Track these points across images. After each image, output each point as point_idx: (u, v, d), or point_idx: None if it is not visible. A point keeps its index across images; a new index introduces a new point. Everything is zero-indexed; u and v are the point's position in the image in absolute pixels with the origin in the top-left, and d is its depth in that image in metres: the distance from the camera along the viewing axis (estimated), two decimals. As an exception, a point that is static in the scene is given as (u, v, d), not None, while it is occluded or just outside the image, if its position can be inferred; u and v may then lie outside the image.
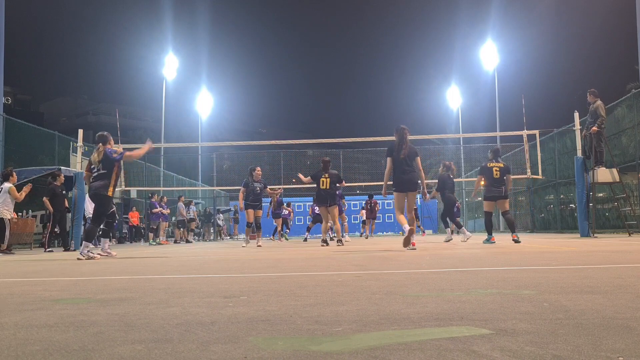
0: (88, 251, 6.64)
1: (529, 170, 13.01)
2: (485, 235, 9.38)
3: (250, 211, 10.75)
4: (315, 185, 10.10)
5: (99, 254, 7.14)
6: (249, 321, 1.74)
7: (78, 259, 6.56)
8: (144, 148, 7.24)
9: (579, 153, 11.36)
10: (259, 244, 10.75)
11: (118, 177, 6.93)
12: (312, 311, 1.92)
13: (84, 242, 6.86)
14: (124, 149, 7.45)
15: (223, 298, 2.33)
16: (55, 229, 11.02)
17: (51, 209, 10.73)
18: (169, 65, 29.87)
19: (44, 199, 10.97)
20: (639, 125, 12.68)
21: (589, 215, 11.05)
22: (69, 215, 12.45)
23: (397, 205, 7.29)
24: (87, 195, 14.29)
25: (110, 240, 7.70)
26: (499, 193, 8.92)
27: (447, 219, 11.02)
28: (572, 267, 3.58)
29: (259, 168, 11.04)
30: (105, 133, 6.97)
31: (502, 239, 10.68)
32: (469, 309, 1.86)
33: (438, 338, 1.42)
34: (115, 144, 7.19)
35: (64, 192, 11.18)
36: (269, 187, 11.60)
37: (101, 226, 7.51)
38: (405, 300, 2.13)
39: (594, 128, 10.67)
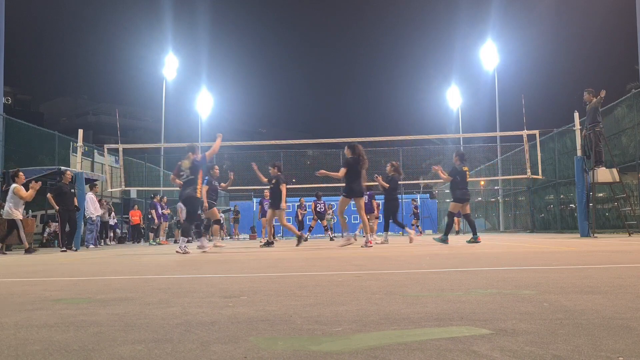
0: (185, 246, 7.53)
1: (529, 170, 13.01)
2: (460, 236, 9.66)
3: (215, 209, 10.63)
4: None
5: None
6: (249, 321, 1.74)
7: (177, 251, 7.49)
8: (218, 141, 8.61)
9: (579, 153, 11.36)
10: (219, 244, 10.52)
11: (201, 180, 8.20)
12: (312, 311, 1.92)
13: (181, 237, 7.90)
14: (202, 153, 8.27)
15: (223, 298, 2.33)
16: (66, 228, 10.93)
17: (56, 207, 10.65)
18: (169, 65, 29.86)
19: (48, 195, 10.90)
20: (639, 125, 12.67)
21: (589, 215, 11.05)
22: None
23: (343, 209, 8.72)
24: (87, 197, 14.36)
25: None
26: (469, 196, 9.41)
27: (391, 221, 10.93)
28: (572, 267, 3.58)
29: (217, 167, 11.08)
30: (195, 144, 8.40)
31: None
32: (469, 309, 1.86)
33: (438, 338, 1.42)
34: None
35: (72, 190, 11.07)
36: (222, 183, 11.54)
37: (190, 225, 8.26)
38: (405, 300, 2.13)
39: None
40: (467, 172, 9.26)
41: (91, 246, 13.89)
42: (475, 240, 8.94)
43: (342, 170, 8.58)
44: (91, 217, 14.24)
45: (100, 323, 1.77)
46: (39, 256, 8.43)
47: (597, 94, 10.95)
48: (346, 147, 8.86)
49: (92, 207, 14.08)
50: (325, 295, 2.36)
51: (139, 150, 23.67)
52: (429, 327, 1.57)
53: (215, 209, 10.64)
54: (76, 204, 11.31)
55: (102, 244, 16.23)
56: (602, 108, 11.71)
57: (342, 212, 8.82)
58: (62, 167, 14.10)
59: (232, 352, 1.33)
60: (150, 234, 17.36)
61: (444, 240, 9.07)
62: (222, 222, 10.99)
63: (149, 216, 17.58)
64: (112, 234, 17.93)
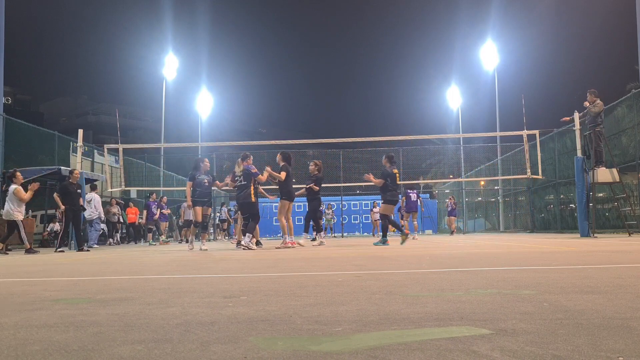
0: (249, 241, 8.55)
1: (529, 170, 13.01)
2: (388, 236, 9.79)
3: (198, 208, 9.50)
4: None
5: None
6: (249, 321, 1.74)
7: (238, 247, 8.92)
8: (266, 174, 9.14)
9: (579, 153, 11.36)
10: (204, 247, 9.42)
11: (255, 188, 9.11)
12: (312, 311, 1.92)
13: (246, 234, 8.71)
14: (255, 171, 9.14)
15: (223, 298, 2.33)
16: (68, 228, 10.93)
17: (62, 206, 10.63)
18: (169, 65, 29.86)
19: (55, 195, 10.89)
20: (639, 125, 12.67)
21: (589, 215, 11.05)
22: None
23: (285, 212, 9.15)
24: (94, 198, 14.35)
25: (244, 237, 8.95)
26: (398, 197, 9.59)
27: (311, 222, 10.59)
28: (572, 267, 3.58)
29: (207, 160, 9.91)
30: (248, 153, 9.29)
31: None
32: (469, 309, 1.86)
33: (438, 338, 1.42)
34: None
35: (78, 190, 11.04)
36: (218, 181, 10.34)
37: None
38: (405, 300, 2.13)
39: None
40: (397, 175, 9.43)
41: (95, 246, 13.94)
42: (384, 242, 9.11)
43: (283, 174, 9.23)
44: (100, 218, 14.33)
45: (100, 323, 1.77)
46: (39, 256, 8.43)
47: (598, 95, 10.98)
48: (280, 157, 9.55)
49: (98, 208, 14.16)
50: (325, 295, 2.36)
51: (139, 150, 23.67)
52: (429, 327, 1.57)
53: (198, 208, 9.51)
54: (82, 203, 11.31)
55: (108, 244, 16.24)
56: (603, 108, 11.71)
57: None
58: (63, 167, 14.12)
59: (232, 352, 1.33)
60: (148, 234, 17.36)
61: (384, 242, 9.22)
62: (199, 223, 9.81)
63: (149, 215, 17.59)
64: (118, 235, 17.94)
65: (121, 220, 17.97)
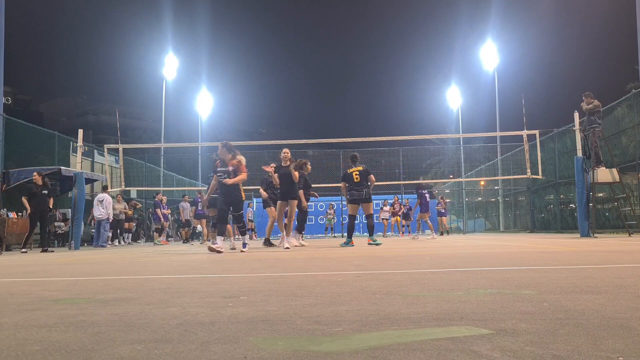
0: (245, 240, 7.94)
1: (529, 170, 13.01)
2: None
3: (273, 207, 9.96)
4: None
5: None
6: (249, 321, 1.74)
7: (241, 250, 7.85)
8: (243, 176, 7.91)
9: (579, 153, 11.36)
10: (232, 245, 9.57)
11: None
12: (312, 311, 1.91)
13: (243, 235, 8.06)
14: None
15: (223, 298, 2.33)
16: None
17: (29, 208, 10.69)
18: (169, 65, 29.87)
19: (23, 198, 10.94)
20: (639, 125, 12.67)
21: (589, 215, 11.05)
22: (71, 215, 12.45)
23: (281, 212, 8.98)
24: (105, 198, 14.35)
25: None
26: (359, 196, 9.36)
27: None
28: (572, 267, 3.58)
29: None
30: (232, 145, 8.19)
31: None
32: (469, 309, 1.86)
33: (438, 338, 1.42)
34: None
35: (44, 192, 11.07)
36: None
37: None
38: (405, 300, 2.13)
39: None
40: (354, 174, 9.37)
41: (108, 245, 13.98)
42: (347, 244, 9.04)
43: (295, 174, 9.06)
44: (108, 219, 14.36)
45: (100, 323, 1.77)
46: (39, 256, 8.43)
47: (595, 97, 11.00)
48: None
49: (108, 208, 14.18)
50: (325, 295, 2.36)
51: (139, 150, 23.67)
52: (429, 327, 1.57)
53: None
54: (50, 205, 11.30)
55: (118, 243, 16.19)
56: (602, 108, 11.72)
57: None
58: (63, 167, 14.13)
59: (232, 352, 1.32)
60: (155, 233, 17.35)
61: (347, 243, 9.14)
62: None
63: (152, 215, 17.56)
64: (129, 235, 17.80)
65: (130, 217, 17.56)
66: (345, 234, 10.01)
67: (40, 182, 10.98)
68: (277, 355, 1.28)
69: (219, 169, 8.06)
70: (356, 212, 9.62)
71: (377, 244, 8.96)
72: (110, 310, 2.04)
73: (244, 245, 7.84)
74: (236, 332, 1.56)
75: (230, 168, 7.79)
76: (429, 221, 14.90)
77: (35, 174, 11.22)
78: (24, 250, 10.50)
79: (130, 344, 1.44)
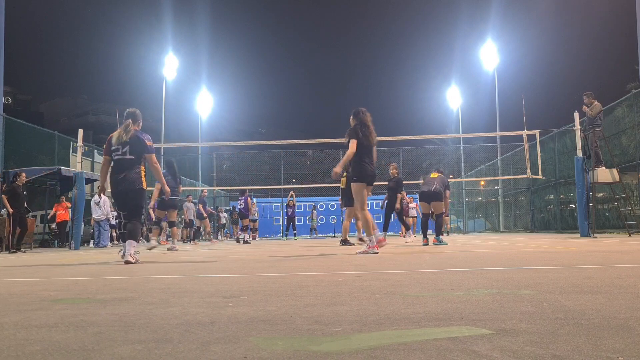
0: (130, 252, 5.29)
1: (529, 170, 13.02)
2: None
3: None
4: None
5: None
6: (249, 321, 1.74)
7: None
8: (164, 184, 6.29)
9: (579, 153, 11.37)
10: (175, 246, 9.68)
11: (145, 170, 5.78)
12: (312, 311, 1.92)
13: (130, 241, 5.39)
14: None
15: (223, 298, 2.33)
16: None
17: (10, 209, 10.70)
18: (169, 65, 29.89)
19: (2, 197, 10.93)
20: (639, 125, 12.68)
21: (589, 215, 11.05)
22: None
23: (361, 199, 6.23)
24: (93, 201, 14.36)
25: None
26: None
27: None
28: (572, 267, 3.58)
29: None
30: (138, 112, 5.88)
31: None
32: (469, 309, 1.86)
33: (438, 338, 1.42)
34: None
35: (25, 192, 11.15)
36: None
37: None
38: (405, 300, 2.13)
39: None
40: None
41: (109, 245, 14.03)
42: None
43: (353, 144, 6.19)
44: (107, 219, 14.40)
45: (100, 323, 1.77)
46: (39, 256, 8.43)
47: (595, 97, 11.01)
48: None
49: (106, 208, 14.21)
50: (326, 295, 2.36)
51: (139, 150, 23.60)
52: (429, 327, 1.57)
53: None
54: (25, 205, 11.36)
55: (119, 242, 16.27)
56: (603, 108, 11.73)
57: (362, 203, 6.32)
58: (63, 167, 14.14)
59: (232, 352, 1.33)
60: (150, 233, 17.37)
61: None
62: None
63: (149, 215, 17.57)
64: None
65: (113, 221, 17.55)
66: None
67: (23, 183, 11.07)
68: (277, 355, 1.28)
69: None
70: (428, 210, 9.25)
71: (442, 244, 8.68)
72: (111, 310, 2.04)
73: (124, 254, 5.34)
74: (236, 332, 1.56)
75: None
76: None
77: (22, 174, 11.24)
78: (14, 250, 10.56)
79: (131, 344, 1.44)
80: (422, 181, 9.56)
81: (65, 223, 14.95)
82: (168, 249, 9.35)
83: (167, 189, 6.48)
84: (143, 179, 5.58)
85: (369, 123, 6.28)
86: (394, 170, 11.06)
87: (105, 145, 5.73)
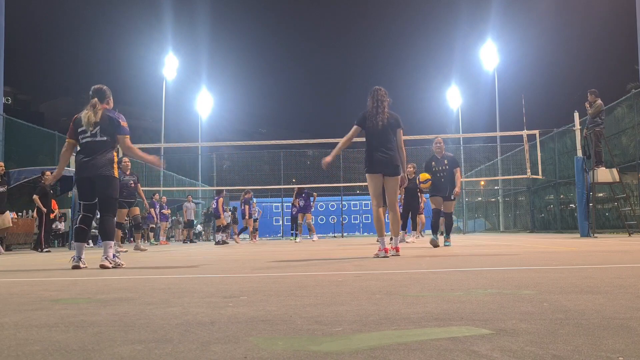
0: (114, 256, 4.80)
1: (529, 170, 13.01)
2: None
3: (125, 210, 9.43)
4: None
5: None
6: (249, 321, 1.74)
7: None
8: (150, 157, 5.38)
9: (579, 153, 11.37)
10: (143, 247, 9.69)
11: (118, 157, 5.28)
12: (312, 311, 1.92)
13: (108, 242, 4.81)
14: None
15: (223, 298, 2.33)
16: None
17: (43, 209, 10.77)
18: (169, 65, 29.90)
19: (35, 197, 10.97)
20: (639, 125, 12.68)
21: (589, 215, 11.05)
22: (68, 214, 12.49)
23: (373, 192, 5.51)
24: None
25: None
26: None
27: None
28: (572, 267, 3.58)
29: (126, 159, 9.37)
30: (106, 88, 5.11)
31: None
32: (469, 309, 1.86)
33: (438, 338, 1.42)
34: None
35: (52, 191, 11.23)
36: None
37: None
38: (405, 300, 2.13)
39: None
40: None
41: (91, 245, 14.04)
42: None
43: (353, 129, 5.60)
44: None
45: (100, 323, 1.77)
46: (39, 256, 8.43)
47: (599, 95, 11.00)
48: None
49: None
50: (325, 295, 2.36)
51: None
52: (429, 327, 1.57)
53: (124, 210, 9.39)
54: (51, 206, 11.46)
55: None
56: (604, 107, 11.73)
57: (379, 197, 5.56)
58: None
59: (232, 352, 1.33)
60: (150, 233, 17.36)
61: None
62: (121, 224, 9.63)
63: (148, 215, 17.56)
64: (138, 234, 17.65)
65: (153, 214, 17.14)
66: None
67: (50, 182, 11.11)
68: (277, 355, 1.28)
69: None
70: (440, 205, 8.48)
71: (448, 246, 8.18)
72: (111, 310, 2.04)
73: (106, 257, 4.69)
74: (236, 332, 1.56)
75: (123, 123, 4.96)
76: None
77: (47, 172, 11.27)
78: (47, 249, 10.66)
79: (131, 343, 1.44)
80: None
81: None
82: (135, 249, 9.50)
83: (159, 162, 5.57)
84: (115, 166, 4.81)
85: (377, 103, 5.47)
86: (412, 169, 10.84)
87: (70, 127, 4.93)
